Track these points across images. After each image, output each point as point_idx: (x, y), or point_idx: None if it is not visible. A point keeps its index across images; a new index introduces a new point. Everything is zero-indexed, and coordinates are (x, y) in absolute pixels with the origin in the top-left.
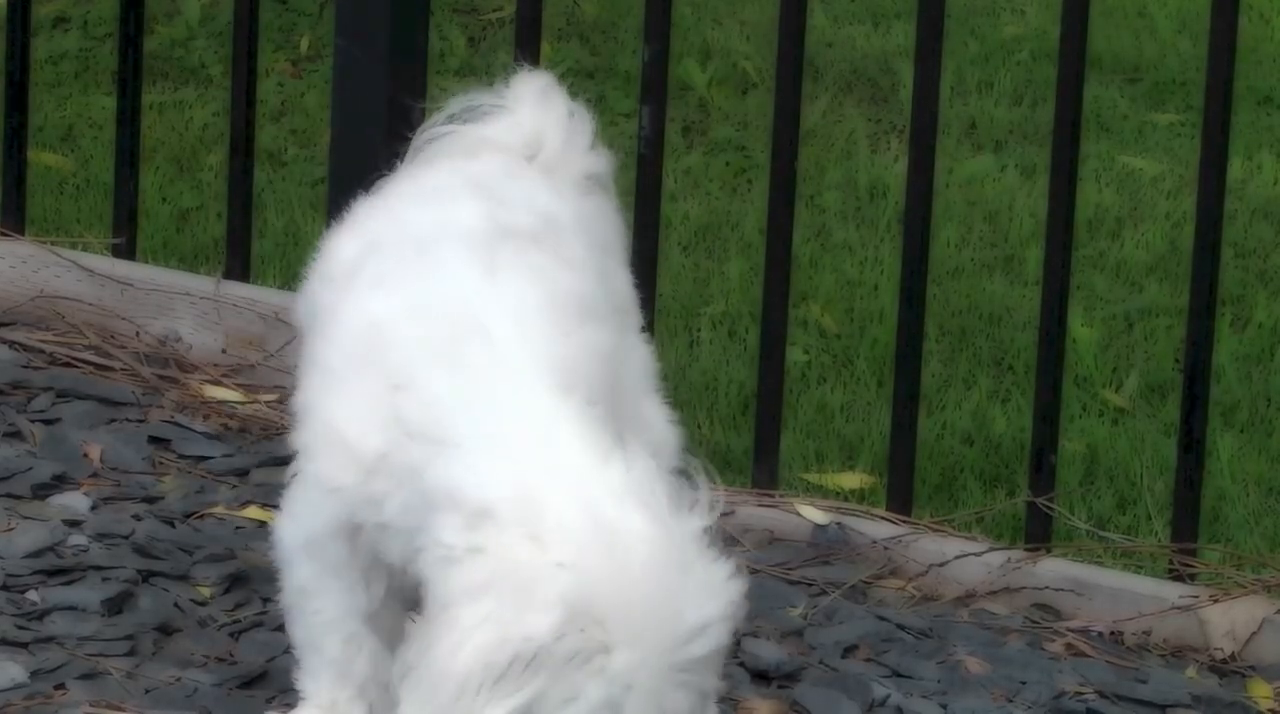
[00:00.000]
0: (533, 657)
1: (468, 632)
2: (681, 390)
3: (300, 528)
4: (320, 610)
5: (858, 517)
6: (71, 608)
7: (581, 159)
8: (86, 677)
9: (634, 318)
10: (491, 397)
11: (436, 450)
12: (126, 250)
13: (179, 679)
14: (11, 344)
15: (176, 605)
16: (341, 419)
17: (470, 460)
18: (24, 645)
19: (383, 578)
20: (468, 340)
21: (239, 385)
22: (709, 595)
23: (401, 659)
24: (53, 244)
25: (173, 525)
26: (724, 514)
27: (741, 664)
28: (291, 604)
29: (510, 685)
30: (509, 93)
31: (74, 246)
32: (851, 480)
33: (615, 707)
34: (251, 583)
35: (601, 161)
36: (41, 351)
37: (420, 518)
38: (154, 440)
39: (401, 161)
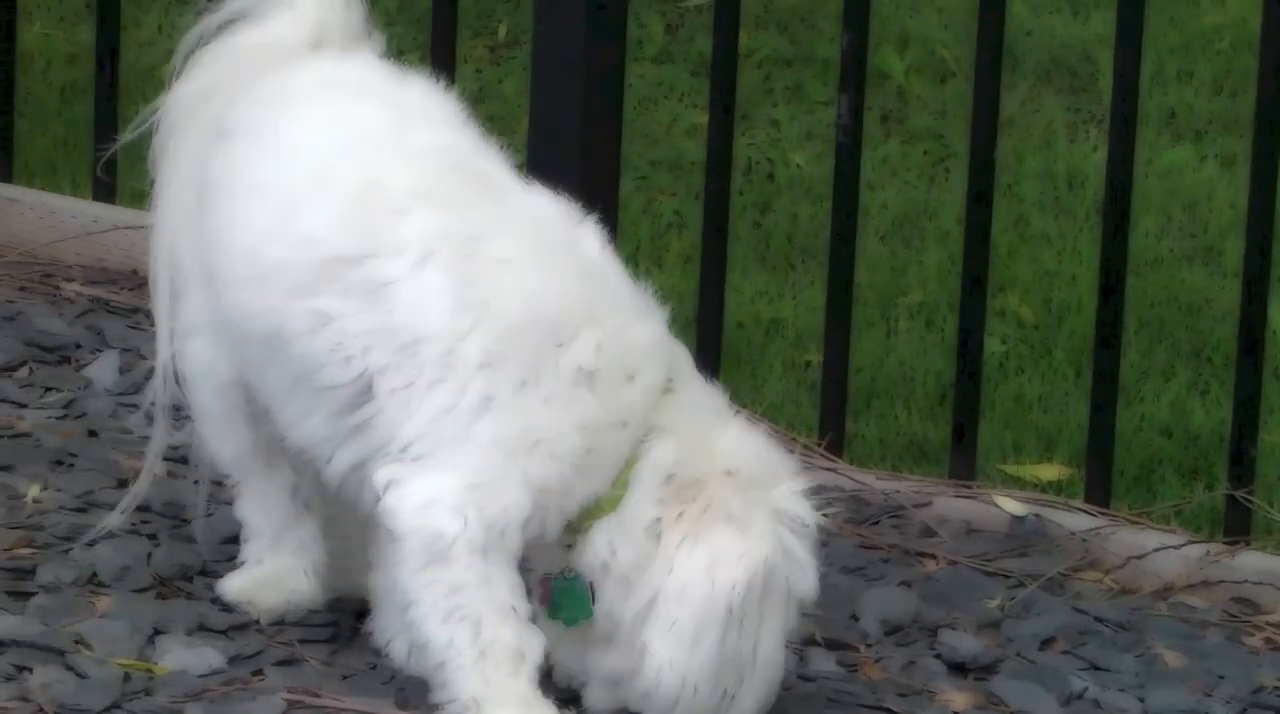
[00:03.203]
0: (768, 578)
1: (716, 563)
2: (878, 380)
3: (485, 525)
4: (494, 597)
5: (1055, 508)
6: None
7: (362, 47)
8: (284, 663)
9: None
10: (679, 382)
11: (647, 437)
12: None
13: (375, 666)
14: None
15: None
16: (546, 420)
17: (676, 441)
18: (222, 632)
19: None
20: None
21: None
22: None
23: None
24: None
25: None
26: (921, 505)
27: (938, 656)
28: (458, 603)
29: (763, 603)
30: None
31: None
32: (1049, 472)
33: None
34: None
35: (378, 45)
36: None
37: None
38: None
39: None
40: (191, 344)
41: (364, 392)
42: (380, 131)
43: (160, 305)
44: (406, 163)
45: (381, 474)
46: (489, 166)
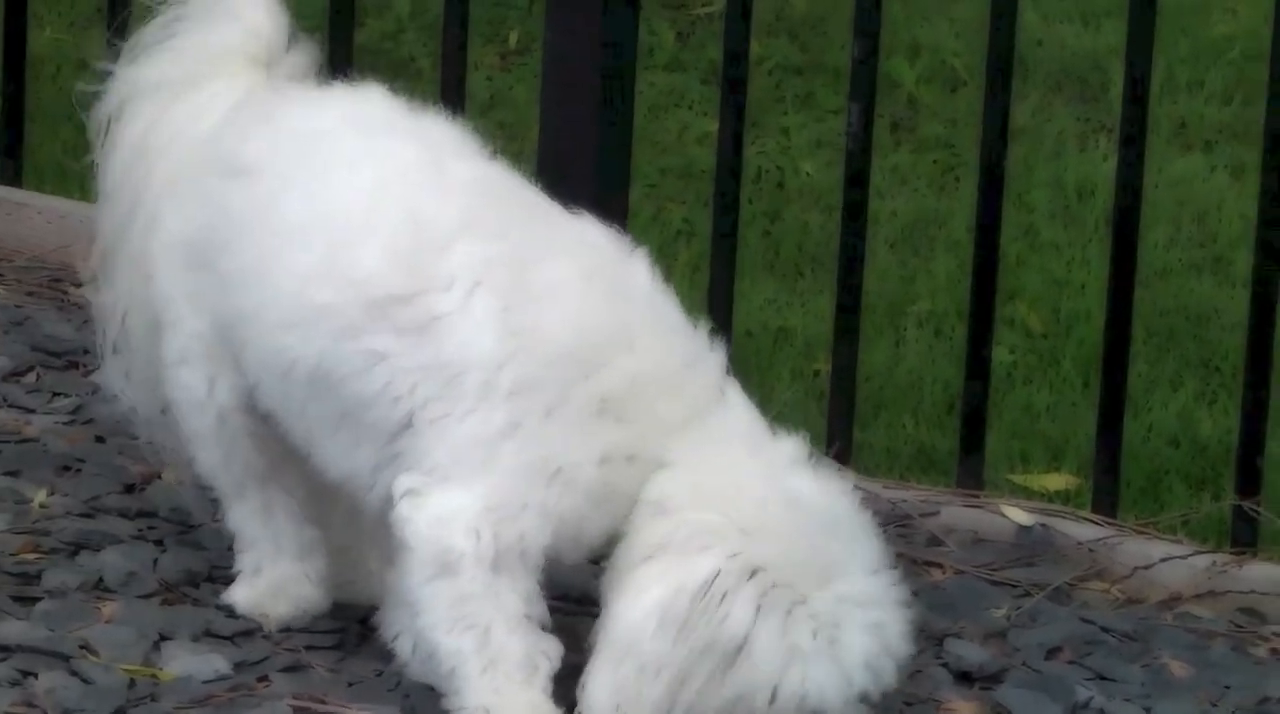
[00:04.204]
0: (704, 596)
1: (645, 586)
2: (887, 389)
3: (498, 546)
4: (504, 607)
5: (1062, 518)
6: None
7: (295, 60)
8: (290, 669)
9: None
10: (698, 414)
11: (652, 472)
12: None
13: (381, 673)
14: None
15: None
16: (567, 449)
17: (674, 476)
18: (228, 638)
19: None
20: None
21: None
22: (864, 541)
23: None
24: None
25: None
26: (928, 514)
27: (944, 665)
28: (464, 613)
29: (690, 627)
30: None
31: None
32: (1056, 481)
33: (800, 653)
34: None
35: (309, 53)
36: None
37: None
38: None
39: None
40: (183, 373)
41: (406, 424)
42: (418, 166)
43: (106, 292)
44: (450, 196)
45: (400, 482)
46: (531, 196)
